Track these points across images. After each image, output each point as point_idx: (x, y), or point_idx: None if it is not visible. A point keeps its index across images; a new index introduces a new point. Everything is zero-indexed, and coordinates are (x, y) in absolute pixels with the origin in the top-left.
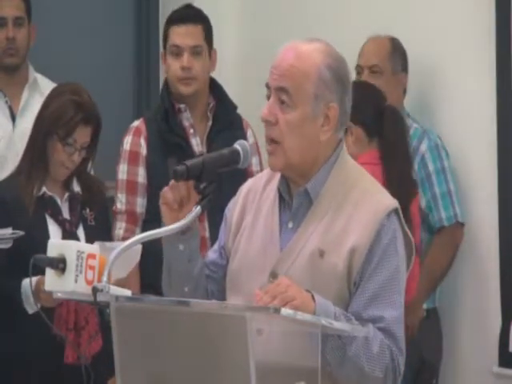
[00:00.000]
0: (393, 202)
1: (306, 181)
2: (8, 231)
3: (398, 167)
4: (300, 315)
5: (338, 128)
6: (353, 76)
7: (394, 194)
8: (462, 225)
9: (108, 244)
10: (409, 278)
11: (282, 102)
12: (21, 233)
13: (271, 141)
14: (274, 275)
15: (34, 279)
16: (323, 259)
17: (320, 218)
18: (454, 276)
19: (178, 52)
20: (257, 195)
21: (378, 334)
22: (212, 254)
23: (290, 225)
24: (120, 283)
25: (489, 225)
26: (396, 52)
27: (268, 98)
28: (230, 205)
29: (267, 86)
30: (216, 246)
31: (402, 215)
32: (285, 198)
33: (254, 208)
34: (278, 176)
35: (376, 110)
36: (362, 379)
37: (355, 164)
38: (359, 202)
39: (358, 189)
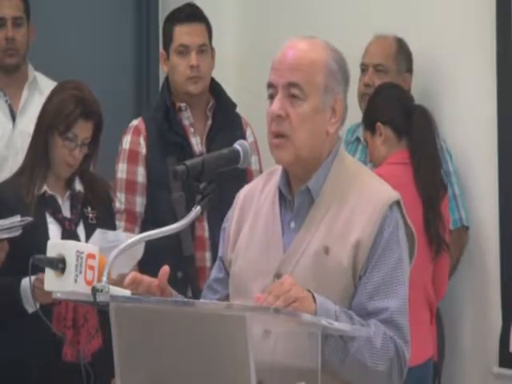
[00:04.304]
0: (394, 194)
1: (308, 177)
2: (17, 219)
3: (427, 166)
4: (300, 316)
5: (342, 121)
6: (357, 74)
7: (424, 192)
8: (466, 228)
9: (111, 233)
10: (439, 278)
11: (293, 97)
12: (29, 219)
13: (279, 135)
14: (278, 276)
15: (33, 278)
16: (328, 256)
17: (322, 216)
18: (455, 277)
19: (185, 51)
20: (254, 198)
21: (380, 327)
22: (213, 272)
23: (293, 225)
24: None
25: (489, 226)
26: (401, 52)
27: (271, 97)
28: (229, 214)
29: (270, 85)
30: (217, 262)
31: (403, 207)
32: (286, 198)
33: (253, 211)
34: (276, 177)
35: (404, 109)
36: (365, 374)
37: (353, 158)
38: (361, 195)
39: (358, 182)
